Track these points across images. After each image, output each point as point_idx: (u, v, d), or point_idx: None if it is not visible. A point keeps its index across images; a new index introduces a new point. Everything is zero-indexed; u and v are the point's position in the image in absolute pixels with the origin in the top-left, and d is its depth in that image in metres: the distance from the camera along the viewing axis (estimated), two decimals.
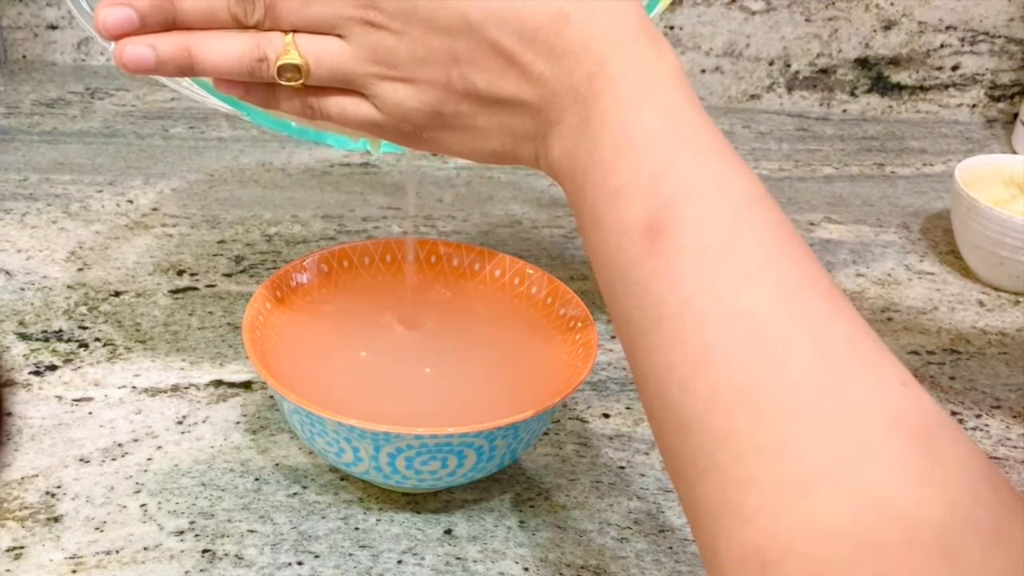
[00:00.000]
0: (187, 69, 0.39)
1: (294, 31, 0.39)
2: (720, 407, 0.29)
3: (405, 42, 0.37)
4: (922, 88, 0.96)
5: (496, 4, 0.36)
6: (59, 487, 0.48)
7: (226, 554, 0.45)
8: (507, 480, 0.50)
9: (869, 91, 0.96)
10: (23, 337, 0.57)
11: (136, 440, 0.51)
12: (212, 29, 0.40)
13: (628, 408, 0.56)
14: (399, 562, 0.45)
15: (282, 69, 0.39)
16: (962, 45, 0.93)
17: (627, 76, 0.35)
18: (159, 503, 0.47)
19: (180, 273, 0.64)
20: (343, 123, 0.41)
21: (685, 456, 0.30)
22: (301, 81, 0.39)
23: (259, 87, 0.41)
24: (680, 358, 0.30)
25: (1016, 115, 0.95)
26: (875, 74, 0.95)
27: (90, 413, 0.52)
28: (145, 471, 0.49)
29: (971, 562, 0.25)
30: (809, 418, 0.28)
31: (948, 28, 0.93)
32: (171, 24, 0.39)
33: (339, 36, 0.39)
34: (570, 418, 0.55)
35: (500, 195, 0.77)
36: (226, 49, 0.39)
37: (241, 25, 0.39)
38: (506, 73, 0.37)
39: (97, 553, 0.44)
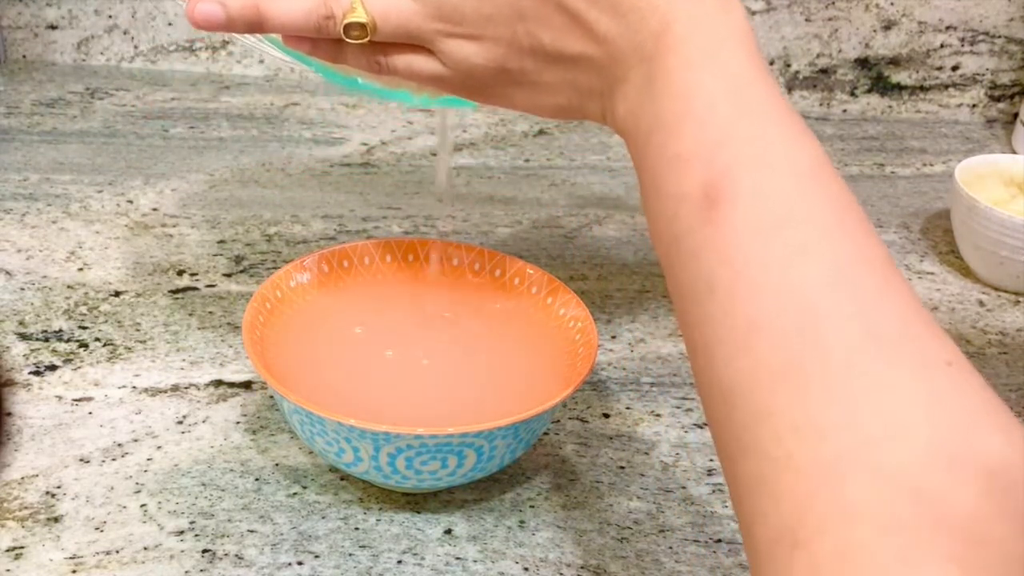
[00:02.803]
0: (256, 26, 0.40)
1: None
2: (763, 384, 0.29)
3: (471, 0, 0.38)
4: (922, 88, 0.96)
5: None
6: (59, 487, 0.48)
7: (226, 554, 0.45)
8: (507, 480, 0.50)
9: (869, 91, 0.96)
10: (23, 337, 0.57)
11: (136, 440, 0.51)
12: None
13: (628, 408, 0.56)
14: (399, 562, 0.45)
15: (348, 27, 0.39)
16: (962, 45, 0.93)
17: (692, 36, 0.34)
18: (159, 503, 0.47)
19: (180, 273, 0.64)
20: (410, 78, 0.41)
21: (728, 431, 0.30)
22: (368, 38, 0.39)
23: (326, 43, 0.41)
24: (728, 332, 0.30)
25: (1016, 115, 0.95)
26: (875, 74, 0.95)
27: (90, 413, 0.52)
28: (145, 471, 0.49)
29: (997, 549, 0.25)
30: (846, 398, 0.27)
31: (948, 28, 0.93)
32: None
33: None
34: (570, 418, 0.55)
35: (500, 195, 0.77)
36: (294, 7, 0.40)
37: None
38: (571, 30, 0.37)
39: (97, 553, 0.44)
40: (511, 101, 0.41)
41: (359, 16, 0.39)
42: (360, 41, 0.40)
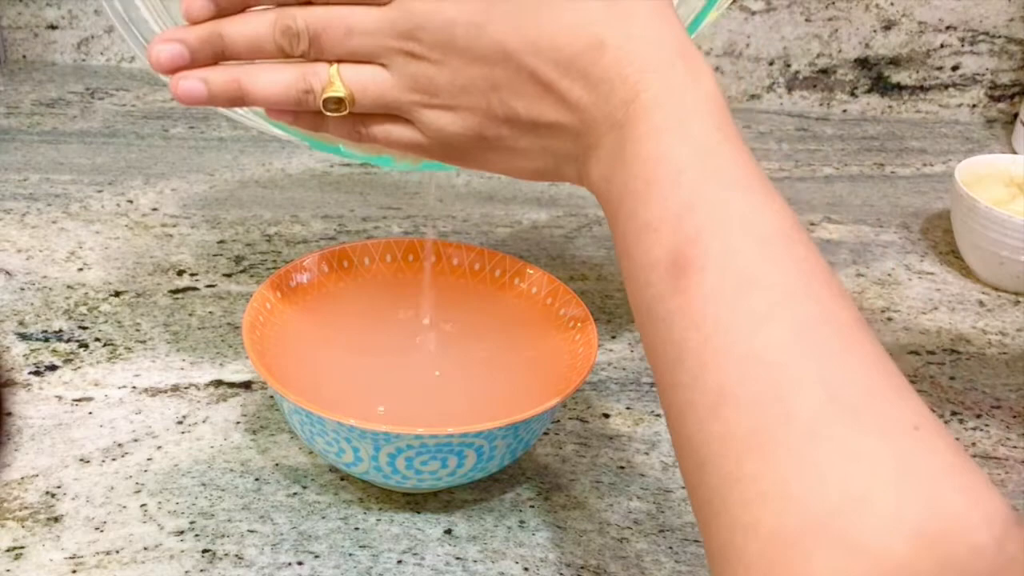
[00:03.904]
0: (238, 100, 0.41)
1: (339, 61, 0.40)
2: (732, 450, 0.29)
3: (445, 72, 0.38)
4: (922, 88, 0.96)
5: (533, 33, 0.37)
6: (59, 487, 0.48)
7: (226, 554, 0.45)
8: (507, 480, 0.50)
9: (869, 91, 0.96)
10: (23, 337, 0.57)
11: (136, 440, 0.51)
12: (261, 60, 0.41)
13: (628, 408, 0.56)
14: (399, 562, 0.45)
15: (327, 101, 0.40)
16: (962, 45, 0.93)
17: (661, 105, 0.35)
18: (159, 503, 0.47)
19: (180, 273, 0.64)
20: (389, 146, 0.42)
21: (701, 495, 0.31)
22: (347, 111, 0.40)
23: (307, 114, 0.42)
24: (698, 397, 0.31)
25: (1016, 115, 0.95)
26: (875, 74, 0.95)
27: (90, 413, 0.52)
28: (145, 471, 0.49)
29: None
30: (812, 466, 0.28)
31: (948, 28, 0.93)
32: (220, 56, 0.41)
33: (382, 65, 0.40)
34: (570, 418, 0.55)
35: (500, 195, 0.77)
36: (273, 81, 0.40)
37: (287, 56, 0.40)
38: (545, 99, 0.38)
39: (97, 553, 0.44)
40: (490, 165, 0.42)
41: (337, 91, 0.40)
42: (340, 114, 0.40)
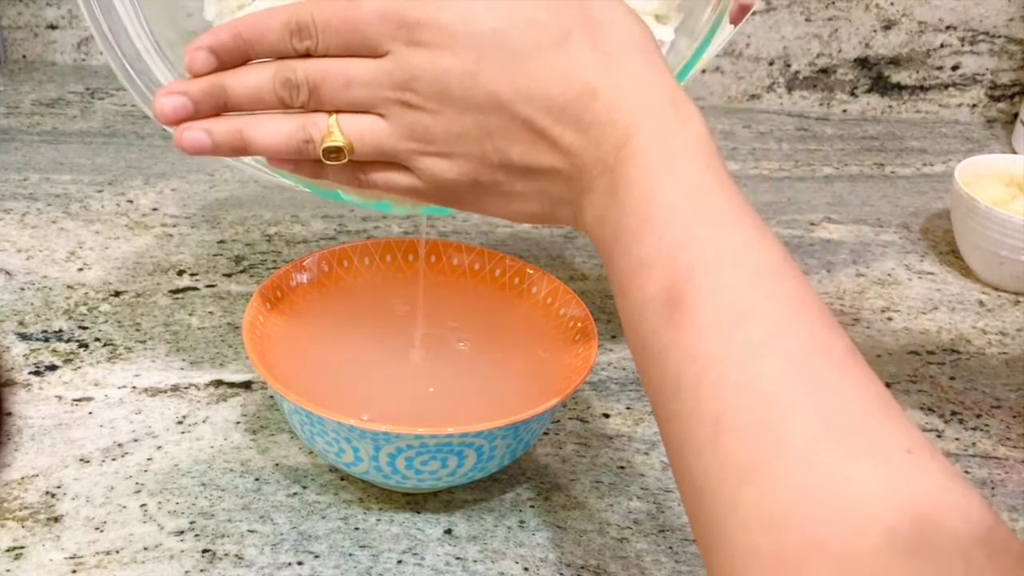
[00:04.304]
0: (240, 150, 0.42)
1: (337, 111, 0.41)
2: (729, 479, 0.30)
3: (440, 121, 0.39)
4: (922, 88, 0.96)
5: (525, 82, 0.37)
6: (59, 487, 0.48)
7: (226, 554, 0.45)
8: (507, 480, 0.50)
9: (869, 91, 0.96)
10: (23, 337, 0.57)
11: (136, 440, 0.51)
12: (262, 111, 0.42)
13: (628, 408, 0.56)
14: (399, 562, 0.45)
15: (327, 150, 0.41)
16: (962, 45, 0.93)
17: (650, 148, 0.36)
18: (159, 503, 0.47)
19: (180, 273, 0.64)
20: (388, 192, 0.43)
21: (700, 523, 0.31)
22: (346, 159, 0.41)
23: (308, 163, 0.42)
24: (695, 428, 0.31)
25: (1016, 115, 0.95)
26: (875, 74, 0.95)
27: (90, 413, 0.52)
28: (145, 471, 0.49)
29: None
30: (808, 491, 0.28)
31: (948, 28, 0.93)
32: (223, 107, 0.41)
33: (379, 114, 0.40)
34: (570, 418, 0.55)
35: None
36: (274, 131, 0.41)
37: (288, 106, 0.41)
38: (538, 144, 0.38)
39: (97, 553, 0.44)
40: (486, 209, 0.43)
41: (336, 140, 0.40)
42: (339, 162, 0.41)
